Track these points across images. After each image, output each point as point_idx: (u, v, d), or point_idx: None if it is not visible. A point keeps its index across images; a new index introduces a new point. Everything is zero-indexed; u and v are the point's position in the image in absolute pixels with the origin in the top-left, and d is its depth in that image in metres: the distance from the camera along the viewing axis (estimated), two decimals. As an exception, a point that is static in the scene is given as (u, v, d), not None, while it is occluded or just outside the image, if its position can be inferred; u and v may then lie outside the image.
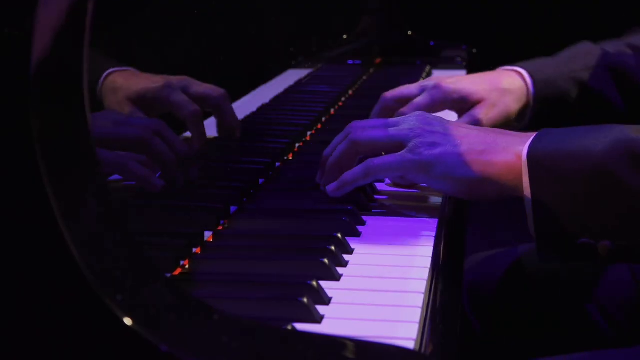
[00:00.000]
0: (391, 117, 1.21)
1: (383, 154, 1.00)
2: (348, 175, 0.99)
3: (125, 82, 1.18)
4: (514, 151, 0.94)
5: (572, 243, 0.90)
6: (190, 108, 1.18)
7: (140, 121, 1.02)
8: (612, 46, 1.42)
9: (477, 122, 1.27)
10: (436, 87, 1.30)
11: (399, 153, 0.97)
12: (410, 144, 0.97)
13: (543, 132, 0.95)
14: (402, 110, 1.28)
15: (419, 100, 1.29)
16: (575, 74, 1.37)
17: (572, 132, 0.93)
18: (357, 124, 1.03)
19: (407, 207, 1.04)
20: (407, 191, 1.10)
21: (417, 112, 1.02)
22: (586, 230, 0.89)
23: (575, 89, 1.37)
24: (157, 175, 1.00)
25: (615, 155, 0.88)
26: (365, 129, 1.01)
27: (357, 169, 0.98)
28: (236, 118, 1.27)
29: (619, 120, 1.00)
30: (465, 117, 1.30)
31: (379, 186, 1.10)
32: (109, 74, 1.15)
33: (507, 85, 1.33)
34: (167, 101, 1.18)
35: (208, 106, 1.22)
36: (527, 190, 0.91)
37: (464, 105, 1.31)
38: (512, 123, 1.34)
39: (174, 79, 1.20)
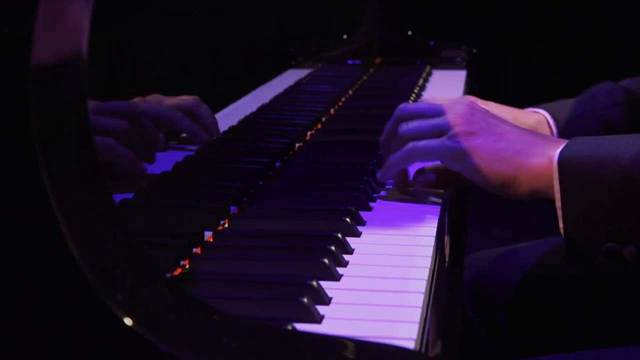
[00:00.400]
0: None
1: None
2: (392, 158, 1.04)
3: None
4: (547, 155, 0.97)
5: (599, 247, 0.93)
6: (165, 114, 1.16)
7: (122, 103, 1.01)
8: (633, 82, 1.41)
9: None
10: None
11: (440, 139, 1.01)
12: (451, 132, 1.00)
13: (574, 141, 0.97)
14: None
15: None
16: (599, 112, 1.37)
17: (603, 140, 0.96)
18: (404, 109, 1.06)
19: (407, 206, 1.04)
20: (408, 190, 1.10)
21: (467, 100, 1.05)
22: (612, 235, 0.92)
23: (602, 128, 1.37)
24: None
25: None
26: (409, 124, 1.04)
27: (399, 153, 1.03)
28: (215, 123, 1.24)
29: None
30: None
31: (380, 185, 1.10)
32: None
33: (533, 123, 1.34)
34: (142, 119, 1.10)
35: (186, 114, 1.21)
36: (557, 195, 0.94)
37: None
38: None
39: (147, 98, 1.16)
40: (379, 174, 1.07)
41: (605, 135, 1.34)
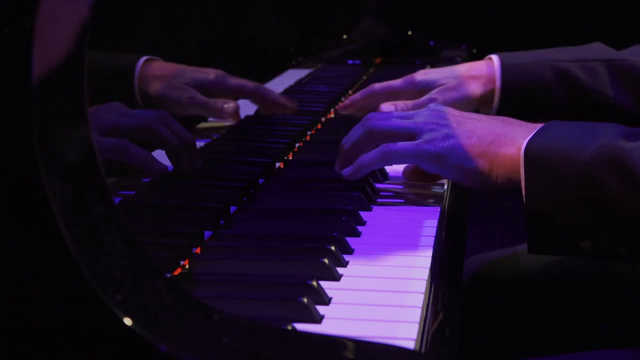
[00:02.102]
0: (375, 106, 1.33)
1: None
2: (364, 158, 1.03)
3: (172, 69, 1.25)
4: (517, 144, 0.97)
5: (558, 239, 0.94)
6: (250, 84, 1.35)
7: (144, 112, 1.08)
8: (628, 51, 1.40)
9: (433, 102, 1.29)
10: (412, 75, 1.39)
11: (415, 142, 1.01)
12: (425, 136, 1.01)
13: (545, 127, 0.97)
14: (374, 85, 1.38)
15: (392, 82, 1.38)
16: (557, 63, 1.36)
17: (571, 130, 0.95)
18: (373, 114, 1.08)
19: (407, 207, 1.04)
20: (408, 191, 1.10)
21: (431, 105, 1.07)
22: (571, 228, 0.92)
23: (556, 78, 1.36)
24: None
25: (600, 161, 0.90)
26: (382, 119, 1.05)
27: (373, 153, 1.03)
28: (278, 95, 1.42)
29: (628, 121, 1.00)
30: (425, 98, 1.34)
31: (380, 186, 1.10)
32: (145, 61, 1.18)
33: (470, 71, 1.37)
34: (229, 86, 1.32)
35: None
36: (522, 184, 0.95)
37: (430, 91, 1.36)
38: (477, 107, 1.36)
39: (218, 71, 1.32)
40: (346, 172, 1.05)
41: (562, 88, 1.35)
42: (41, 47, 0.60)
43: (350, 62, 2.15)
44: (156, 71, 1.20)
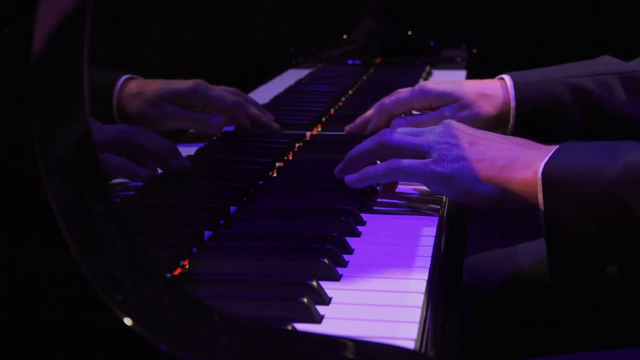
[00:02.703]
0: (387, 122, 1.30)
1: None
2: (370, 170, 1.01)
3: (150, 84, 1.23)
4: (533, 168, 0.94)
5: (582, 265, 0.90)
6: (230, 98, 1.28)
7: (118, 126, 1.06)
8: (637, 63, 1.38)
9: (444, 118, 1.27)
10: (421, 85, 1.34)
11: (424, 161, 0.99)
12: (434, 155, 0.98)
13: (562, 149, 0.95)
14: (384, 101, 1.33)
15: (401, 94, 1.34)
16: (571, 80, 1.33)
17: (590, 150, 0.93)
18: (387, 129, 1.05)
19: (407, 207, 1.04)
20: (408, 191, 1.10)
21: (446, 122, 1.04)
22: (596, 252, 0.89)
23: (570, 94, 1.33)
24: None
25: (626, 180, 0.87)
26: (394, 134, 1.03)
27: (380, 167, 1.01)
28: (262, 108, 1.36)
29: None
30: (436, 113, 1.32)
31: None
32: (125, 81, 1.18)
33: (485, 89, 1.33)
34: (206, 96, 1.27)
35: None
36: (541, 208, 0.92)
37: (442, 102, 1.33)
38: (491, 127, 1.34)
39: (190, 81, 1.27)
40: (349, 178, 1.03)
41: (577, 104, 1.31)
42: (41, 47, 0.60)
43: (350, 62, 2.15)
44: (133, 89, 1.19)
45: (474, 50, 2.26)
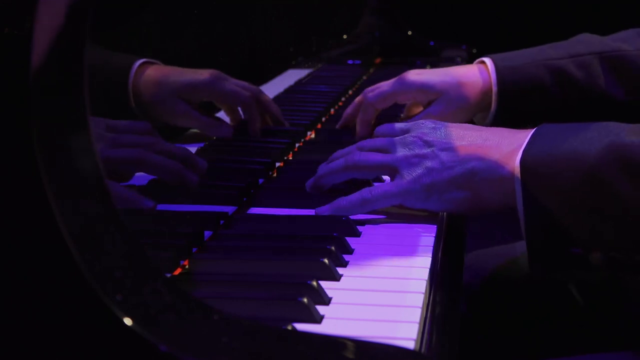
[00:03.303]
0: (373, 115, 1.32)
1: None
2: (344, 202, 0.97)
3: (167, 74, 1.21)
4: (508, 164, 0.92)
5: (564, 253, 0.88)
6: (246, 93, 1.27)
7: (130, 139, 0.99)
8: (617, 37, 1.38)
9: (435, 118, 1.26)
10: (402, 77, 1.33)
11: (395, 182, 0.97)
12: (405, 173, 0.96)
13: (537, 133, 0.92)
14: (367, 96, 1.33)
15: (383, 87, 1.33)
16: (552, 62, 1.33)
17: (567, 133, 0.91)
18: (353, 150, 1.03)
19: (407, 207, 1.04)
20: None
21: (416, 126, 1.01)
22: (578, 239, 0.87)
23: (550, 77, 1.33)
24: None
25: (607, 161, 0.85)
26: (361, 154, 1.01)
27: (353, 198, 0.97)
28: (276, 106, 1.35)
29: (620, 112, 0.96)
30: (423, 114, 1.32)
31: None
32: (141, 65, 1.17)
33: (464, 77, 1.33)
34: (222, 91, 1.26)
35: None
36: (519, 199, 0.90)
37: (424, 96, 1.33)
38: (471, 114, 1.34)
39: (207, 71, 1.26)
40: (320, 211, 0.98)
41: (557, 85, 1.31)
42: (41, 47, 0.60)
43: (350, 62, 2.15)
44: (150, 77, 1.19)
45: (474, 50, 2.26)
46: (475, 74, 1.33)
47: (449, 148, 0.96)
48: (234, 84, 1.29)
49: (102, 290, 0.59)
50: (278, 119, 1.34)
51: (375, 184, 1.04)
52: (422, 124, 1.01)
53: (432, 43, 2.31)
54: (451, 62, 2.20)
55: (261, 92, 1.34)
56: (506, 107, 1.32)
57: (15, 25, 0.60)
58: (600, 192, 0.86)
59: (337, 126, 1.39)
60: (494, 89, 1.32)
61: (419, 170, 0.96)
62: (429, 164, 0.96)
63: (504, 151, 0.93)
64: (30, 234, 0.60)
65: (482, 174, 0.94)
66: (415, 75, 1.33)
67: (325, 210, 0.98)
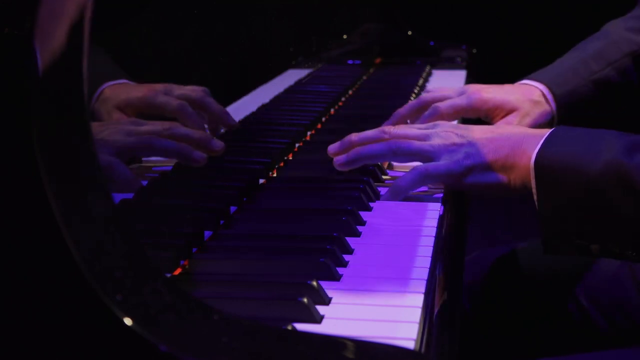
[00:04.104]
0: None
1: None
2: (402, 183, 1.06)
3: (113, 93, 1.22)
4: (528, 155, 1.02)
5: (570, 242, 0.99)
6: (174, 102, 1.23)
7: (147, 126, 1.07)
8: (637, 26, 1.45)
9: None
10: (475, 93, 1.37)
11: (444, 163, 1.05)
12: (446, 157, 1.06)
13: (552, 136, 1.02)
14: (439, 105, 1.34)
15: (457, 101, 1.36)
16: (597, 76, 1.42)
17: (579, 139, 1.01)
18: (392, 131, 1.11)
19: (407, 207, 1.04)
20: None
21: (445, 126, 1.10)
22: (580, 233, 0.98)
23: (597, 90, 1.42)
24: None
25: (607, 177, 0.96)
26: (403, 140, 1.08)
27: (412, 176, 1.05)
28: (224, 110, 1.30)
29: None
30: (500, 124, 1.35)
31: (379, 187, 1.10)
32: (103, 89, 1.18)
33: (536, 97, 1.39)
34: (152, 104, 1.23)
35: (193, 106, 1.24)
36: (534, 191, 1.00)
37: (498, 113, 1.37)
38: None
39: (158, 85, 1.24)
40: (386, 196, 1.07)
41: (600, 95, 1.41)
42: (41, 47, 0.60)
43: (350, 62, 2.15)
44: (102, 97, 1.19)
45: (474, 50, 2.26)
46: (540, 95, 1.40)
47: (482, 139, 1.07)
48: (166, 96, 1.23)
49: (102, 290, 0.59)
50: (222, 119, 1.29)
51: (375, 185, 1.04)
52: (446, 123, 1.13)
53: (432, 43, 2.31)
54: (451, 62, 2.20)
55: (204, 95, 1.27)
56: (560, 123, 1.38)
57: (15, 25, 0.60)
58: (600, 200, 0.97)
59: (387, 124, 1.36)
60: (556, 116, 1.39)
61: (459, 155, 1.06)
62: (466, 150, 1.06)
63: (529, 143, 1.03)
64: (30, 234, 0.60)
65: (512, 160, 1.04)
66: (487, 92, 1.38)
67: (386, 196, 1.06)
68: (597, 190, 0.96)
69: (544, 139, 1.02)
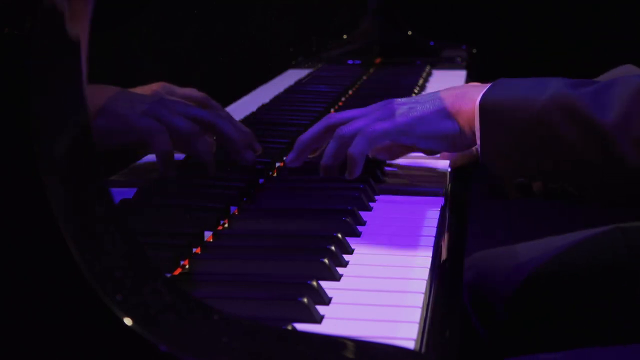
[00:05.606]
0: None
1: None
2: (354, 150, 1.05)
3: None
4: (474, 99, 1.05)
5: (511, 182, 1.04)
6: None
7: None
8: None
9: None
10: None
11: (389, 120, 1.07)
12: (395, 113, 1.08)
13: (497, 82, 1.06)
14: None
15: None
16: None
17: (522, 83, 1.05)
18: (336, 118, 1.12)
19: (407, 207, 1.04)
20: (407, 190, 1.10)
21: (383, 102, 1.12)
22: (524, 171, 1.03)
23: None
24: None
25: (553, 108, 1.00)
26: (349, 124, 1.09)
27: (359, 141, 1.06)
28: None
29: None
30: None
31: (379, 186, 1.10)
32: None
33: None
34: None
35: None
36: (477, 133, 1.04)
37: None
38: None
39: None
40: (348, 175, 1.07)
41: None
42: (41, 47, 0.60)
43: (350, 62, 2.15)
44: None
45: (474, 50, 2.26)
46: None
47: (423, 96, 1.11)
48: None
49: (102, 290, 0.59)
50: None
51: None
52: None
53: (432, 43, 2.31)
54: (451, 62, 2.20)
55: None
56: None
57: (15, 25, 0.60)
58: (545, 132, 1.00)
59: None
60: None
61: (403, 109, 1.08)
62: (418, 107, 1.08)
63: (473, 93, 1.07)
64: (30, 234, 0.60)
65: (459, 106, 1.06)
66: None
67: (350, 173, 1.07)
68: (542, 122, 0.99)
69: (489, 85, 1.05)
